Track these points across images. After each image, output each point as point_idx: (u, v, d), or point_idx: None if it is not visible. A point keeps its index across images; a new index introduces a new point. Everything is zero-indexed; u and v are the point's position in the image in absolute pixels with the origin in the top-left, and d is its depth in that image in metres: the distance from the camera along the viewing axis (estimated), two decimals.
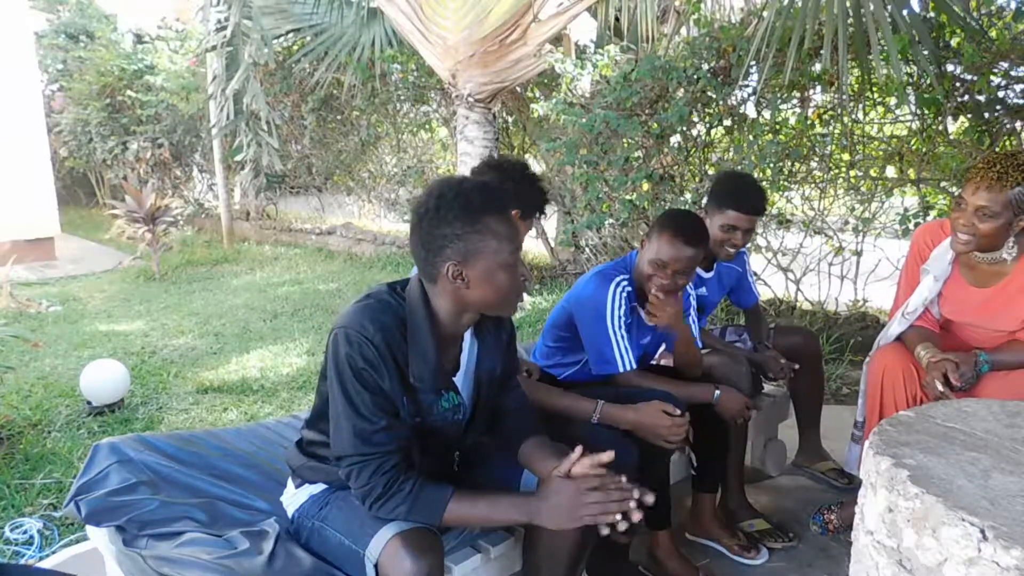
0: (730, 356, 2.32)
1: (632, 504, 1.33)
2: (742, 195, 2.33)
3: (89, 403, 3.33)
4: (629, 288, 2.09)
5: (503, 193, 1.43)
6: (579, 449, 1.40)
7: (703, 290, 2.47)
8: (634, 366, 2.06)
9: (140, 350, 4.37)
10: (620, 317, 2.05)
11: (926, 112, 3.53)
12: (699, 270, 2.44)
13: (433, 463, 1.54)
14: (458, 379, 1.53)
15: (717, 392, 2.07)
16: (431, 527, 1.38)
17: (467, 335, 1.54)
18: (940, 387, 1.87)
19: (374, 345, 1.35)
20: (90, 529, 1.74)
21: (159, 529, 1.61)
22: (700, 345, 2.26)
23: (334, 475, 1.48)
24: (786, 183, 4.05)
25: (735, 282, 2.61)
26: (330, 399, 1.41)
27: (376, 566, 1.35)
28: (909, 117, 3.80)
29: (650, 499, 1.35)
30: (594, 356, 2.09)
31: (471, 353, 1.56)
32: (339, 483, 1.49)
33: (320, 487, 1.57)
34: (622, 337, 2.05)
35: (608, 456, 1.38)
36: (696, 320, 2.28)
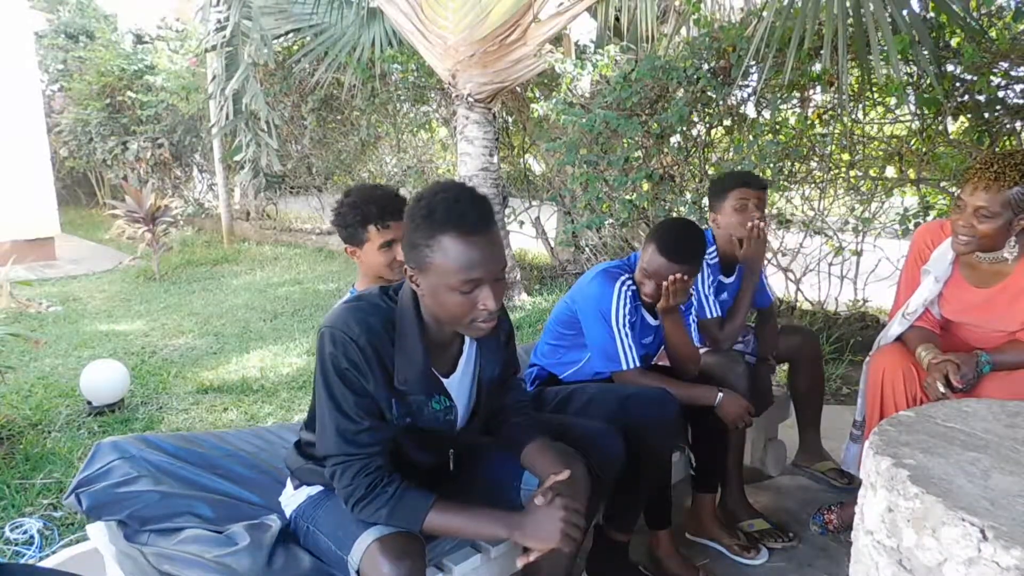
0: (728, 356, 2.32)
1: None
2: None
3: (89, 403, 3.33)
4: (634, 287, 2.10)
5: (476, 214, 1.29)
6: (566, 473, 1.41)
7: (724, 295, 2.46)
8: (638, 364, 2.07)
9: (140, 350, 4.37)
10: (625, 316, 2.06)
11: (926, 112, 3.53)
12: (721, 276, 2.45)
13: (428, 461, 1.54)
14: (454, 380, 1.51)
15: (720, 395, 2.07)
16: (414, 532, 1.38)
17: (467, 337, 1.53)
18: (941, 388, 1.87)
19: (359, 346, 1.34)
20: (90, 529, 1.74)
21: (160, 525, 1.61)
22: (698, 345, 2.26)
23: None
24: (786, 183, 4.06)
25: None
26: (316, 398, 1.41)
27: (359, 572, 1.35)
28: (909, 117, 3.80)
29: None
30: (598, 354, 2.09)
31: (470, 355, 1.55)
32: None
33: (317, 489, 1.56)
34: (626, 335, 2.06)
35: (564, 475, 1.40)
36: (695, 321, 2.28)
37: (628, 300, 2.07)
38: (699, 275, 2.35)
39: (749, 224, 2.29)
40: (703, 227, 2.29)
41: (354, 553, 1.35)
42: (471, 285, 1.30)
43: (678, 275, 1.98)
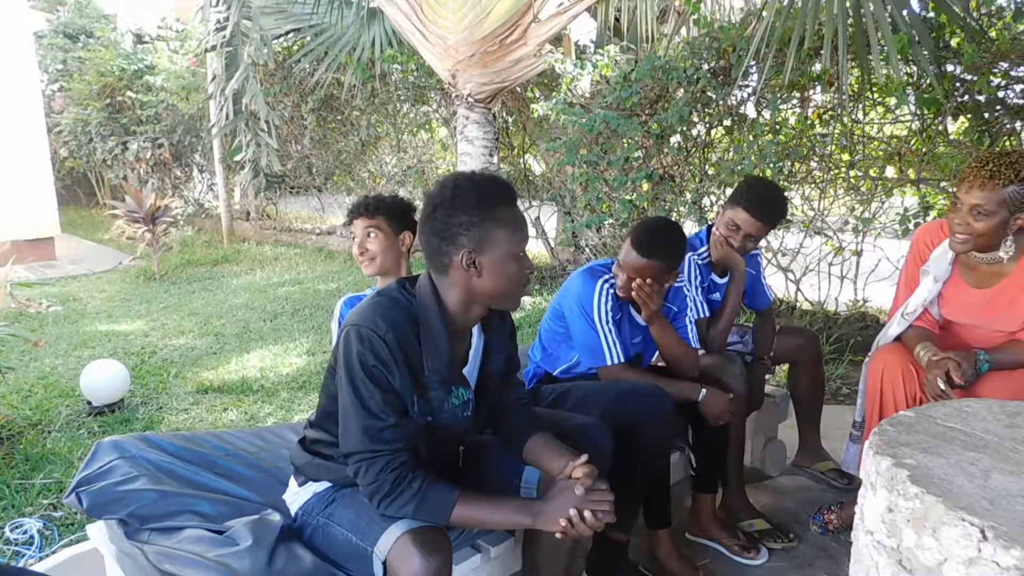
0: (725, 356, 2.33)
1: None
2: (758, 200, 2.30)
3: (89, 403, 3.33)
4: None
5: (512, 187, 1.45)
6: (584, 456, 1.44)
7: (717, 295, 2.47)
8: (622, 359, 2.09)
9: (140, 350, 4.37)
10: (607, 312, 2.09)
11: (926, 112, 3.53)
12: (714, 276, 2.46)
13: (439, 460, 1.55)
14: (465, 371, 1.54)
15: (703, 391, 2.08)
16: (440, 526, 1.39)
17: (475, 330, 1.56)
18: (943, 385, 1.86)
19: (386, 342, 1.36)
20: (90, 528, 1.74)
21: (161, 523, 1.61)
22: (697, 346, 2.27)
23: (338, 473, 1.49)
24: (786, 183, 4.05)
25: (748, 286, 2.60)
26: (339, 396, 1.42)
27: (385, 564, 1.35)
28: (909, 117, 3.80)
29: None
30: (583, 349, 2.13)
31: (478, 348, 1.58)
32: (344, 481, 1.50)
33: (324, 485, 1.57)
34: (610, 331, 2.09)
35: (583, 457, 1.45)
36: (692, 322, 2.28)
37: (610, 297, 2.10)
38: (689, 274, 2.36)
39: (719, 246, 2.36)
40: (702, 226, 2.30)
41: (381, 545, 1.36)
42: (524, 248, 1.43)
43: (644, 280, 2.00)
